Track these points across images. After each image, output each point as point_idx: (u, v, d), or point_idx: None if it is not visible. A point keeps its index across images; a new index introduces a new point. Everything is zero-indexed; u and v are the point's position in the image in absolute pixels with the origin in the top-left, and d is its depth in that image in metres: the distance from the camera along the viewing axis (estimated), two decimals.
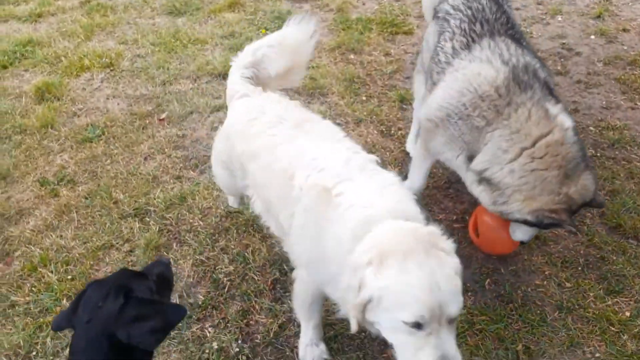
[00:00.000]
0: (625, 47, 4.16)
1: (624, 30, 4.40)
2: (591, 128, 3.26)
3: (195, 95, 3.79)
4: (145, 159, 3.23)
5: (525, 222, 2.06)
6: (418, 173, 2.61)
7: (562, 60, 4.03)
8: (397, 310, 1.38)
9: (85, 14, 5.06)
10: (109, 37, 4.66)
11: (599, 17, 4.62)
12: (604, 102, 3.51)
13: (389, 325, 1.43)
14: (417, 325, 1.37)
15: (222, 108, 3.63)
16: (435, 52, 2.48)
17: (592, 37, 4.33)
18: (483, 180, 2.15)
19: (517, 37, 2.40)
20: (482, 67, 2.19)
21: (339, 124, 3.36)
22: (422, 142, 2.52)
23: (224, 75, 3.98)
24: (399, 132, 3.36)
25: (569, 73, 3.86)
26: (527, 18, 4.68)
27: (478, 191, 2.20)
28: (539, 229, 2.13)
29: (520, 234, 2.20)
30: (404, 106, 3.57)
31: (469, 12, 2.46)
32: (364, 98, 3.70)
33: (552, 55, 4.10)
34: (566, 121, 2.07)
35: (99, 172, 3.13)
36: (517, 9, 4.87)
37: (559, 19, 4.66)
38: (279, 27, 4.61)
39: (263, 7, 5.05)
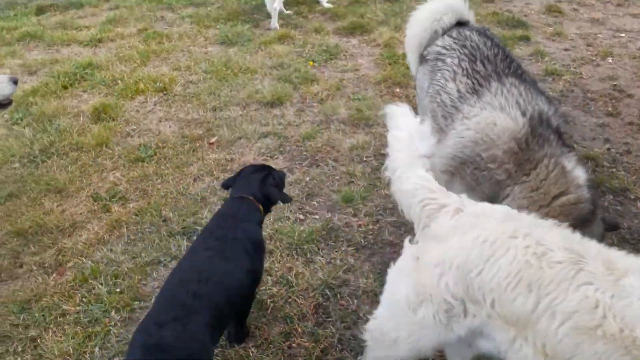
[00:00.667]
0: None
1: None
2: None
3: (244, 121, 3.89)
4: (195, 180, 3.31)
5: None
6: None
7: (612, 101, 3.97)
8: None
9: (142, 40, 5.31)
10: (164, 63, 4.86)
11: None
12: None
13: None
14: None
15: (269, 134, 3.72)
16: (435, 91, 2.42)
17: None
18: None
19: (520, 73, 2.37)
20: (498, 116, 2.10)
21: (382, 154, 3.40)
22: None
23: (272, 104, 4.10)
24: None
25: (620, 114, 3.79)
26: (577, 59, 4.65)
27: None
28: None
29: None
30: None
31: (465, 50, 2.45)
32: None
33: (603, 96, 4.04)
34: (581, 176, 2.03)
35: (150, 190, 3.21)
36: (567, 49, 4.86)
37: (610, 60, 4.61)
38: (326, 60, 4.79)
39: (311, 41, 5.20)
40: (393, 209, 2.96)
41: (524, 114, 2.10)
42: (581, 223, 1.91)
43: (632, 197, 2.96)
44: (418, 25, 2.77)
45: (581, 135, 3.56)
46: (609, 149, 3.39)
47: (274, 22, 5.51)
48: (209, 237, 2.03)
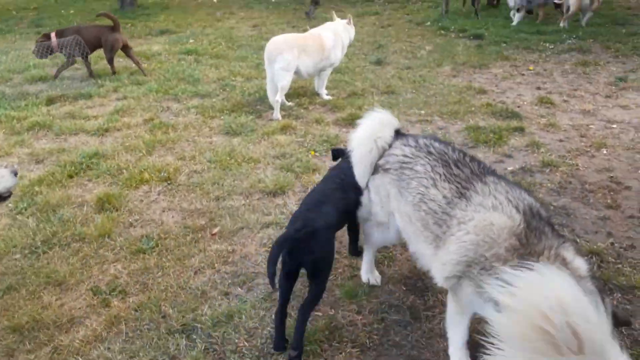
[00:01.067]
0: None
1: None
2: None
3: (247, 211, 3.91)
4: (195, 272, 3.27)
5: None
6: (460, 336, 2.43)
7: (611, 193, 4.02)
8: None
9: (148, 130, 5.48)
10: (169, 153, 4.97)
11: None
12: None
13: None
14: None
15: (272, 224, 3.72)
16: (417, 200, 2.44)
17: None
18: None
19: (493, 171, 2.45)
20: (493, 216, 2.16)
21: (385, 246, 3.38)
22: (454, 301, 2.38)
23: (274, 193, 4.15)
24: None
25: (620, 207, 3.83)
26: (572, 150, 4.78)
27: None
28: None
29: None
30: None
31: (433, 156, 2.49)
32: None
33: (601, 188, 4.10)
34: (582, 266, 2.03)
35: (150, 284, 3.16)
36: (561, 140, 5.01)
37: (604, 152, 4.73)
38: (327, 149, 4.91)
39: (312, 131, 5.36)
40: (398, 306, 2.90)
41: (517, 209, 2.15)
42: None
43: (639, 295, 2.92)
44: (363, 147, 2.79)
45: (583, 229, 3.57)
46: (612, 244, 3.39)
47: (276, 113, 5.71)
48: (331, 179, 3.04)
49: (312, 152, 4.90)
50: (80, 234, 3.67)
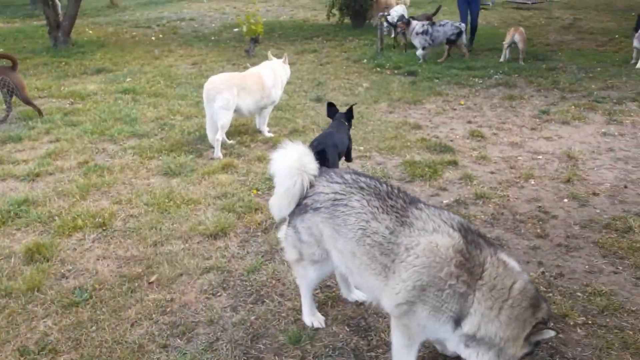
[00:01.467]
0: (598, 211, 4.42)
1: (594, 194, 4.72)
2: (578, 294, 3.32)
3: (186, 256, 3.82)
4: (132, 325, 3.13)
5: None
6: None
7: (540, 223, 4.24)
8: None
9: (83, 174, 5.28)
10: (104, 197, 4.80)
11: (568, 181, 4.98)
12: (586, 266, 3.62)
13: None
14: None
15: (212, 269, 3.65)
16: (359, 235, 2.49)
17: (566, 200, 4.62)
18: (473, 341, 2.25)
19: (418, 199, 2.68)
20: (436, 238, 2.33)
21: (328, 286, 3.38)
22: (402, 332, 2.45)
23: (215, 236, 4.09)
24: None
25: (548, 236, 4.04)
26: (503, 182, 5.02)
27: (467, 353, 2.31)
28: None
29: None
30: None
31: (365, 190, 2.59)
32: None
33: (531, 218, 4.32)
34: (515, 264, 2.36)
35: (83, 340, 2.99)
36: (492, 172, 5.26)
37: (532, 182, 5.01)
38: (270, 188, 4.90)
39: (254, 169, 5.35)
40: (342, 349, 2.89)
41: (453, 228, 2.37)
42: (536, 302, 2.24)
43: (572, 323, 3.06)
44: (288, 181, 2.75)
45: (516, 259, 3.71)
46: (543, 273, 3.55)
47: (217, 152, 5.67)
48: (330, 128, 4.66)
49: (255, 191, 4.88)
50: (6, 288, 3.44)
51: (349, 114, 4.79)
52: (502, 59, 10.25)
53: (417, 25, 10.48)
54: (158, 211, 4.48)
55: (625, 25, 14.88)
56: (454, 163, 5.45)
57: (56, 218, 4.37)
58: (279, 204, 2.87)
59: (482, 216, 4.36)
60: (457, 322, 2.27)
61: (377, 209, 2.51)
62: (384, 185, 2.65)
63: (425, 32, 10.32)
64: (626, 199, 4.63)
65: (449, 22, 10.44)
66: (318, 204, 2.69)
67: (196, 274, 3.62)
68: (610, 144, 5.95)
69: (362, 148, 5.96)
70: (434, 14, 12.47)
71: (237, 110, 5.87)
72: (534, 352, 2.27)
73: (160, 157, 5.69)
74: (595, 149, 5.82)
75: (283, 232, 2.99)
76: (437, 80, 8.95)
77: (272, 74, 6.18)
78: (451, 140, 6.18)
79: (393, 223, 2.44)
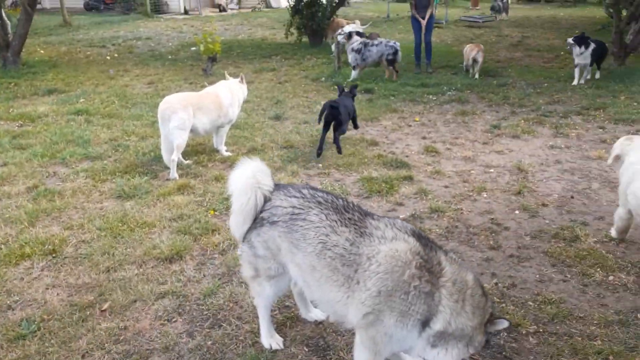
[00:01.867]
0: (547, 221, 4.58)
1: (543, 205, 4.90)
2: (530, 303, 3.42)
3: (140, 281, 3.72)
4: (83, 356, 3.01)
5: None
6: None
7: (493, 235, 4.36)
8: None
9: (32, 199, 5.08)
10: (54, 223, 4.64)
11: (519, 193, 5.15)
12: (537, 276, 3.74)
13: None
14: None
15: (167, 294, 3.57)
16: (320, 249, 2.51)
17: (517, 212, 4.77)
18: (442, 339, 2.36)
19: (369, 211, 2.80)
20: (394, 244, 2.43)
21: (287, 306, 3.35)
22: (368, 347, 2.46)
23: (170, 259, 4.00)
24: None
25: (500, 247, 4.15)
26: (457, 195, 5.14)
27: (435, 353, 2.41)
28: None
29: None
30: None
31: (323, 205, 2.64)
32: None
33: (484, 230, 4.44)
34: (458, 258, 2.62)
35: None
36: (446, 186, 5.38)
37: (485, 195, 5.15)
38: (228, 208, 4.85)
39: (212, 189, 5.29)
40: None
41: (407, 234, 2.48)
42: (485, 291, 2.46)
43: (524, 332, 3.14)
44: (243, 196, 2.75)
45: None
46: (496, 284, 3.64)
47: (173, 173, 5.59)
48: (343, 95, 6.73)
49: (212, 212, 4.82)
50: None
51: (354, 90, 6.92)
52: (470, 76, 10.56)
53: (355, 42, 10.54)
54: (111, 236, 4.36)
55: None
56: (410, 178, 5.55)
57: (2, 247, 4.19)
58: (236, 221, 2.86)
59: (437, 230, 4.44)
60: (425, 323, 2.35)
61: (336, 222, 2.55)
62: (340, 199, 2.71)
63: (358, 51, 10.43)
64: (573, 208, 4.82)
65: (383, 42, 10.45)
66: (275, 217, 2.70)
67: (150, 300, 3.52)
68: (558, 156, 6.20)
69: (320, 165, 5.99)
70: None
71: (193, 130, 5.82)
72: (490, 342, 2.47)
73: (114, 180, 5.55)
74: (543, 161, 6.06)
75: (240, 248, 2.97)
76: (393, 98, 9.13)
77: (229, 92, 6.17)
78: (407, 156, 6.29)
79: (353, 235, 2.50)
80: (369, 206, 4.94)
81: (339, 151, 6.24)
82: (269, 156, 6.28)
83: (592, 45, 9.52)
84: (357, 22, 14.56)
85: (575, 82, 9.77)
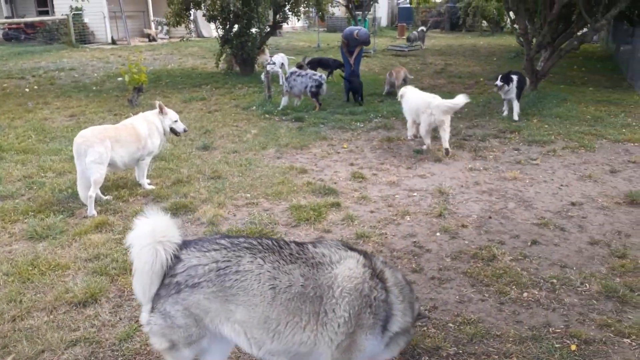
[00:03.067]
0: (467, 242, 4.74)
1: (463, 226, 5.08)
2: (450, 324, 3.49)
3: (50, 329, 3.46)
4: None
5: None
6: None
7: (415, 257, 4.45)
8: None
9: None
10: None
11: (440, 215, 5.31)
12: (457, 297, 3.84)
13: None
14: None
15: (79, 341, 3.35)
16: (274, 293, 2.37)
17: (438, 234, 4.91)
18: (394, 337, 2.53)
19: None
20: (345, 263, 2.48)
21: None
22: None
23: (84, 303, 3.77)
24: None
25: (423, 270, 4.24)
26: (381, 220, 5.23)
27: (389, 351, 2.58)
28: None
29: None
30: None
31: (253, 249, 2.48)
32: None
33: (407, 253, 4.53)
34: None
35: None
36: (372, 211, 5.47)
37: (408, 219, 5.27)
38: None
39: (132, 226, 5.06)
40: None
41: (345, 249, 2.57)
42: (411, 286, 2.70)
43: (445, 354, 3.19)
44: (146, 254, 2.40)
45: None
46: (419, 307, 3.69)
47: (91, 210, 5.32)
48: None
49: None
50: None
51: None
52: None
53: (272, 63, 11.36)
54: (19, 281, 4.06)
55: (488, 69, 16.65)
56: (337, 205, 5.59)
57: None
58: (141, 283, 2.46)
59: None
60: (384, 327, 2.47)
61: (278, 262, 2.41)
62: (263, 239, 2.56)
63: (287, 79, 10.72)
64: (490, 228, 5.03)
65: (309, 74, 10.65)
66: (196, 279, 2.39)
67: (60, 349, 3.28)
68: (476, 178, 6.49)
69: (249, 195, 5.92)
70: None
71: (111, 164, 5.59)
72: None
73: (26, 220, 5.21)
74: (463, 183, 6.31)
75: (145, 318, 2.54)
76: (322, 126, 9.26)
77: (146, 123, 6.00)
78: (335, 183, 6.36)
79: (303, 269, 2.42)
80: (297, 235, 4.92)
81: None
82: (194, 188, 6.14)
83: (515, 78, 9.50)
84: (282, 54, 14.79)
85: (505, 114, 9.86)
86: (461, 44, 26.02)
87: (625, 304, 3.69)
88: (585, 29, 12.20)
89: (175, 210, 5.47)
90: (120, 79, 13.62)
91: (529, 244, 4.67)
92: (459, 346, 3.26)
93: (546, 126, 8.97)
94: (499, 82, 9.42)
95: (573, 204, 5.61)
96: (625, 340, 3.28)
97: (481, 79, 14.47)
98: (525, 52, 11.92)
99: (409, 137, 8.30)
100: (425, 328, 3.44)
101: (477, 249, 4.56)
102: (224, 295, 2.38)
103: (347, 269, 2.44)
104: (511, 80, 9.44)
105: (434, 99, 7.53)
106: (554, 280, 4.01)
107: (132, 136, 5.78)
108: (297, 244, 2.58)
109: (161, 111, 6.26)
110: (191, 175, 6.62)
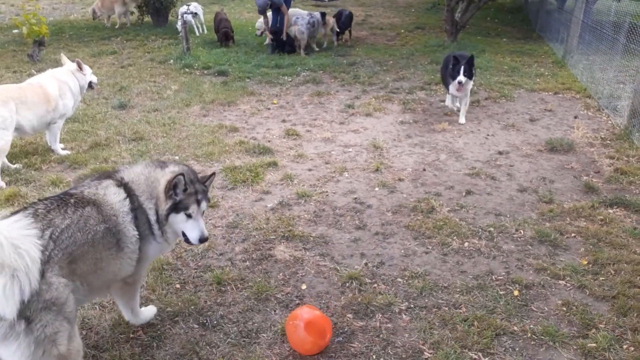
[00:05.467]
0: (405, 195, 4.79)
1: (400, 179, 5.11)
2: (399, 279, 3.52)
3: None
4: None
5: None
6: None
7: (358, 214, 4.43)
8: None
9: None
10: None
11: (377, 170, 5.31)
12: (402, 251, 3.87)
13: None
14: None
15: None
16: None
17: (377, 189, 4.91)
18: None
19: None
20: (110, 191, 2.56)
21: (152, 324, 3.03)
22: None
23: None
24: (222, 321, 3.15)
25: (366, 226, 4.23)
26: (320, 178, 5.14)
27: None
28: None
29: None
30: (223, 288, 3.41)
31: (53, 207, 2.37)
32: (177, 286, 3.45)
33: (349, 210, 4.49)
34: None
35: None
36: (310, 169, 5.36)
37: (346, 175, 5.23)
38: None
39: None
40: None
41: (100, 180, 2.65)
42: None
43: (397, 310, 3.21)
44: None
45: (340, 254, 3.82)
46: (366, 264, 3.69)
47: None
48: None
49: None
50: None
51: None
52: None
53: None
54: None
55: (407, 21, 16.75)
56: (274, 164, 5.41)
57: None
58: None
59: (306, 215, 4.38)
60: (150, 227, 2.76)
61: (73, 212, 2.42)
62: (49, 199, 2.43)
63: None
64: (426, 181, 5.11)
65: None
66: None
67: None
68: (407, 131, 6.55)
69: (177, 157, 5.57)
70: None
71: (18, 129, 4.97)
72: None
73: None
74: (395, 137, 6.35)
75: None
76: (248, 80, 8.88)
77: (56, 82, 5.38)
78: (269, 141, 6.14)
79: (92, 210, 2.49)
80: (234, 198, 4.71)
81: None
82: (115, 151, 5.67)
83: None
84: (195, 3, 13.85)
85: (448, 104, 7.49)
86: None
87: (557, 247, 3.92)
88: None
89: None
90: (15, 30, 12.17)
91: (464, 194, 4.81)
92: (410, 300, 3.30)
93: None
94: (462, 78, 6.35)
95: (500, 152, 5.84)
96: (560, 282, 3.48)
97: (402, 31, 14.53)
98: (445, 2, 12.03)
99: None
100: (375, 285, 3.45)
101: (415, 202, 4.62)
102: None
103: (114, 194, 2.54)
104: (473, 67, 6.62)
105: None
106: (492, 229, 4.16)
107: (40, 97, 5.15)
108: (70, 194, 2.51)
109: (80, 68, 5.66)
110: (110, 138, 6.11)
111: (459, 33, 12.28)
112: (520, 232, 4.12)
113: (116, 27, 13.90)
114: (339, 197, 4.74)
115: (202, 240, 2.73)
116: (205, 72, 9.44)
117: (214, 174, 2.92)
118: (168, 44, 11.90)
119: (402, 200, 4.68)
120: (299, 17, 10.96)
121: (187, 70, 9.52)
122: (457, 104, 7.24)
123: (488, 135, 6.41)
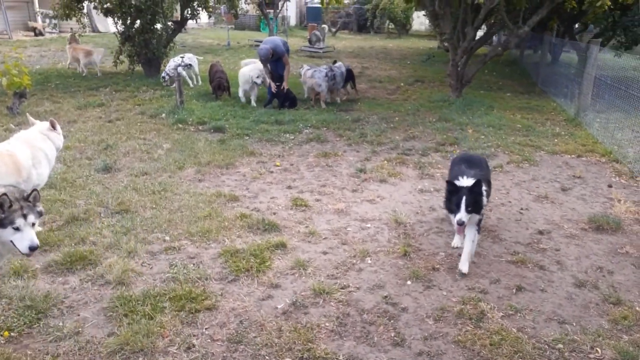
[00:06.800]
0: (444, 292, 3.97)
1: (434, 269, 4.32)
2: None
3: None
4: None
5: None
6: None
7: (392, 322, 3.57)
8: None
9: None
10: None
11: (405, 255, 4.52)
12: None
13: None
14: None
15: None
16: None
17: (409, 282, 4.09)
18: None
19: None
20: None
21: None
22: None
23: None
24: None
25: (405, 341, 3.37)
26: (339, 265, 4.32)
27: None
28: None
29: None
30: None
31: None
32: None
33: (380, 316, 3.63)
34: None
35: None
36: (325, 252, 4.62)
37: (369, 261, 4.43)
38: (31, 323, 3.38)
39: (7, 292, 3.73)
40: None
41: None
42: None
43: None
44: None
45: None
46: None
47: None
48: None
49: (6, 333, 3.30)
50: None
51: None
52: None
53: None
54: None
55: (405, 73, 16.44)
56: (283, 246, 4.60)
57: None
58: None
59: (327, 324, 3.52)
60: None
61: None
62: None
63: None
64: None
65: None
66: None
67: None
68: (430, 202, 5.80)
69: (168, 237, 4.73)
70: None
71: None
72: None
73: None
74: (418, 209, 5.59)
75: None
76: (247, 138, 8.17)
77: (29, 148, 4.61)
78: (274, 213, 5.35)
79: None
80: (236, 295, 3.86)
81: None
82: (95, 228, 4.83)
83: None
84: (190, 54, 13.36)
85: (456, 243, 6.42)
86: (372, 46, 25.94)
87: None
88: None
89: (70, 265, 4.17)
90: None
91: (514, 290, 4.01)
92: None
93: (482, 137, 8.60)
94: (463, 216, 4.01)
95: (541, 232, 5.09)
96: None
97: (401, 84, 14.12)
98: (450, 57, 11.62)
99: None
100: None
101: (459, 303, 3.81)
102: None
103: None
104: (480, 195, 4.27)
105: None
106: (560, 346, 3.34)
107: (9, 167, 4.35)
108: None
109: (54, 128, 4.94)
110: (90, 210, 5.27)
111: (464, 88, 11.83)
112: (597, 352, 3.30)
113: (97, 75, 13.46)
114: (365, 295, 3.91)
115: (32, 248, 3.09)
116: (200, 127, 8.74)
117: (35, 190, 3.27)
118: (160, 95, 11.27)
119: (443, 300, 3.86)
120: (316, 70, 10.47)
121: (180, 125, 8.82)
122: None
123: (522, 209, 5.68)
